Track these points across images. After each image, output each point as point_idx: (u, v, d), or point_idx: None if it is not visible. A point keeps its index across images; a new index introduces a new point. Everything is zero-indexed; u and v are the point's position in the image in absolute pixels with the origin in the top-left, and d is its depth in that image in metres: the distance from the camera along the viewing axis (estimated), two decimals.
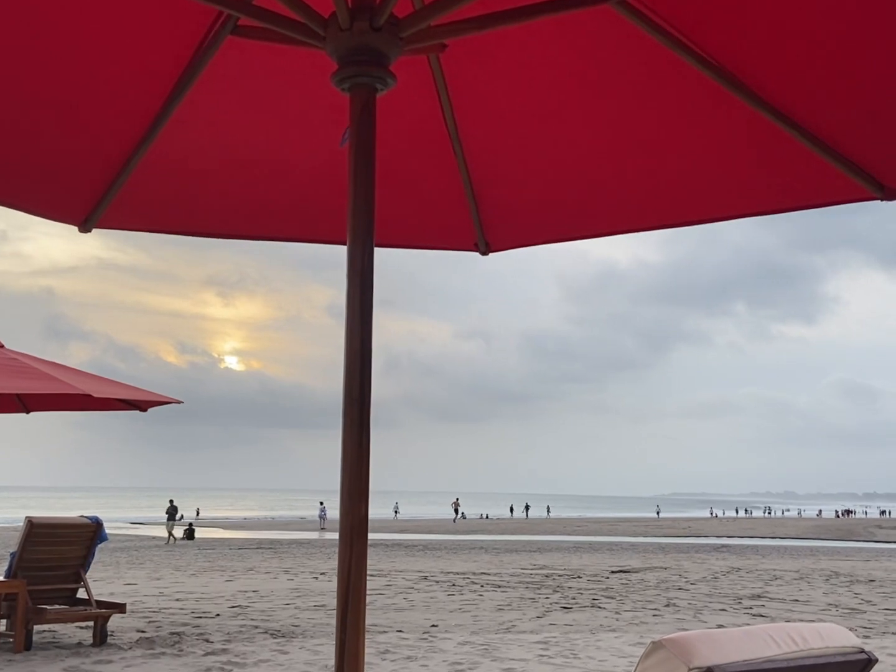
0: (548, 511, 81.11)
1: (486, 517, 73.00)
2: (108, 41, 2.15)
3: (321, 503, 52.58)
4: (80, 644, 7.63)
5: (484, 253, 2.95)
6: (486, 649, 7.75)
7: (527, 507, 76.48)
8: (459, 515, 66.05)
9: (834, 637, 2.16)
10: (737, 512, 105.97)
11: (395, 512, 72.29)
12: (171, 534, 33.14)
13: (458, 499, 71.45)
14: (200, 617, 9.60)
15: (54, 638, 7.92)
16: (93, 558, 8.00)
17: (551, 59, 2.28)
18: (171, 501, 35.33)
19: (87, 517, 8.00)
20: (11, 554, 7.66)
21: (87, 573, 7.98)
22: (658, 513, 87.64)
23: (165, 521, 34.15)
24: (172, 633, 8.33)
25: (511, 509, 79.93)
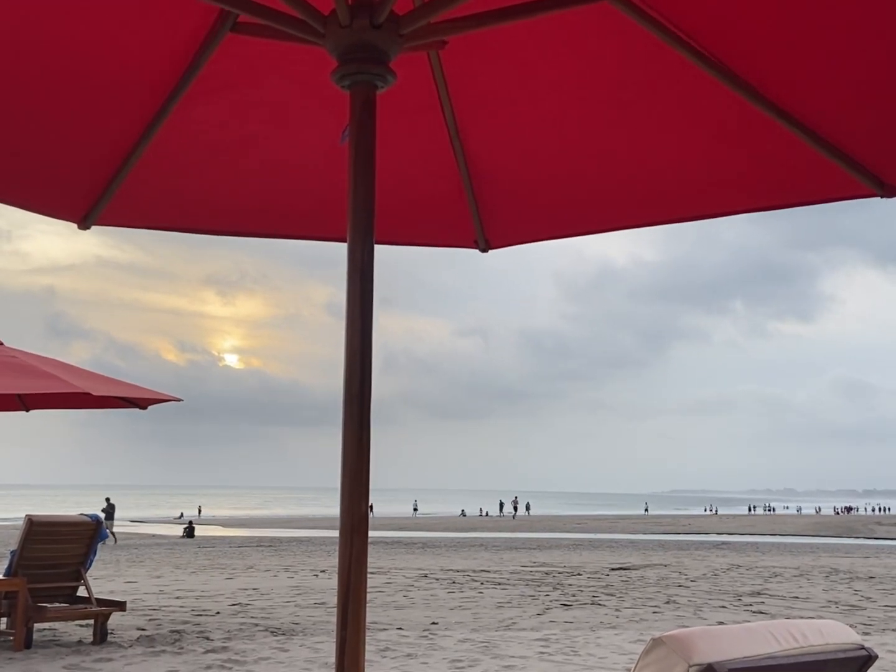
0: (527, 508, 79.90)
1: (486, 514, 72.96)
2: (108, 38, 2.15)
3: None
4: (80, 642, 7.63)
5: (484, 250, 2.95)
6: (486, 647, 7.76)
7: (501, 505, 75.24)
8: (521, 511, 66.04)
9: (834, 634, 2.16)
10: (750, 509, 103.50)
11: (415, 509, 72.25)
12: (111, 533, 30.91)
13: (516, 497, 71.44)
14: (200, 615, 9.60)
15: (54, 636, 7.92)
16: (94, 556, 8.00)
17: (550, 55, 2.28)
18: (108, 500, 32.34)
19: (87, 515, 8.00)
20: (12, 552, 7.65)
21: (88, 571, 7.98)
22: (646, 510, 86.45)
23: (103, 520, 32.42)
24: (173, 631, 8.33)
25: (527, 506, 79.97)
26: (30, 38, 2.08)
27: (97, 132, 2.42)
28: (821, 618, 9.08)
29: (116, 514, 32.50)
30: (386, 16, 1.90)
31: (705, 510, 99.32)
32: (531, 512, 77.35)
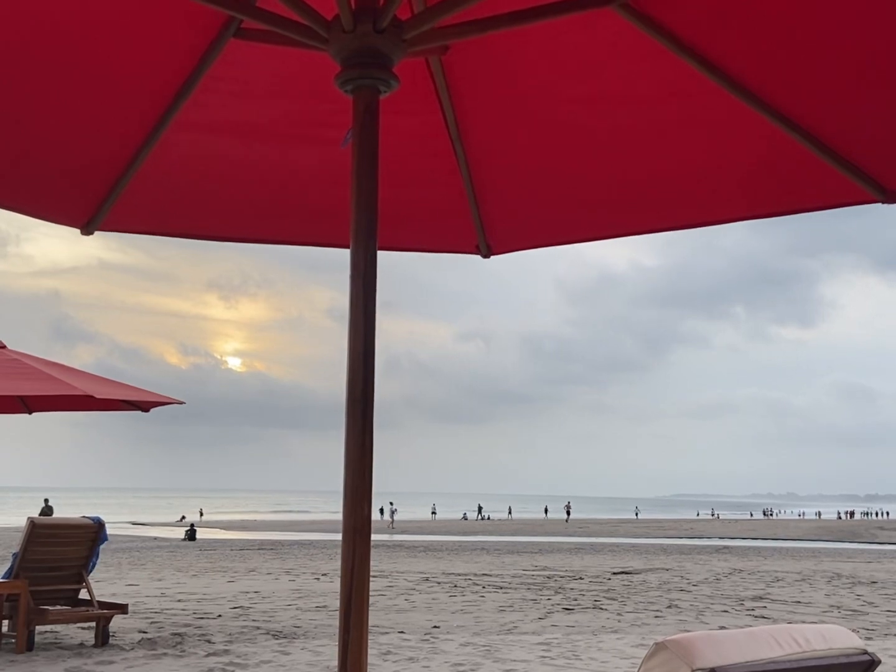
0: (509, 512, 79.34)
1: (489, 518, 72.93)
2: (112, 44, 2.16)
3: (391, 503, 55.19)
4: (81, 645, 7.63)
5: (485, 256, 2.95)
6: (487, 650, 7.75)
7: (480, 508, 75.34)
8: (570, 516, 66.72)
9: (837, 639, 2.16)
10: (764, 513, 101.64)
11: (433, 513, 72.59)
12: None
13: (569, 502, 72.27)
14: (202, 618, 9.60)
15: (56, 638, 7.92)
16: (96, 559, 8.00)
17: (553, 62, 2.28)
18: (46, 501, 29.81)
19: (88, 518, 8.00)
20: (14, 554, 7.66)
21: (90, 574, 7.98)
22: (637, 514, 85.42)
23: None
24: (174, 634, 8.33)
25: (546, 510, 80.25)
26: (33, 44, 2.09)
27: (100, 138, 2.43)
28: (823, 622, 9.06)
29: (116, 518, 32.23)
30: (389, 21, 1.91)
31: (697, 514, 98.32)
32: (513, 516, 76.95)
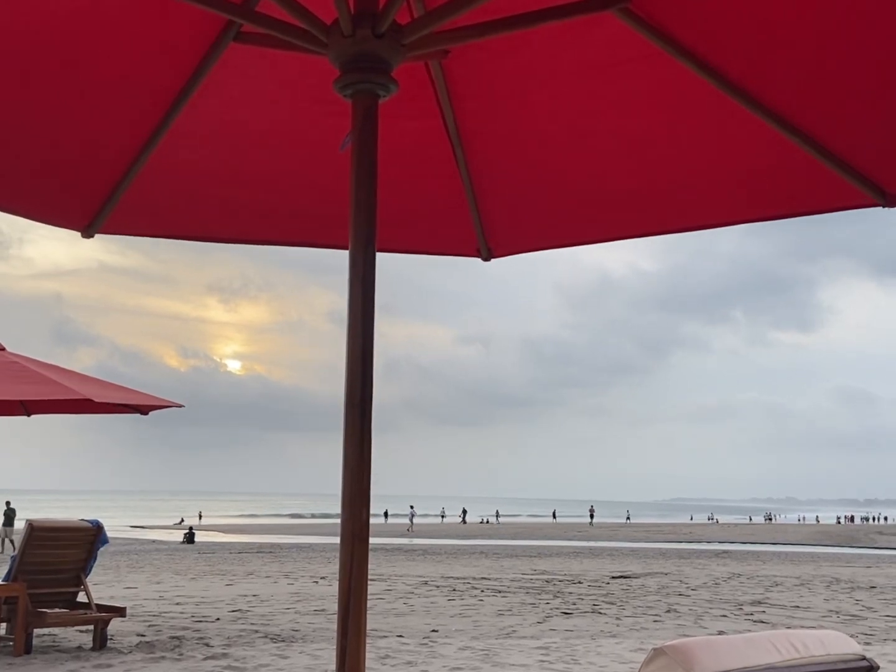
0: (497, 516, 79.18)
1: (487, 522, 72.93)
2: (112, 48, 2.16)
3: (411, 507, 56.19)
4: (80, 648, 7.62)
5: (486, 259, 2.96)
6: (486, 654, 7.74)
7: (465, 512, 75.68)
8: (593, 519, 67.17)
9: (836, 644, 2.16)
10: (768, 518, 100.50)
11: (442, 516, 72.88)
12: (8, 540, 26.21)
13: (592, 506, 73.01)
14: (200, 621, 9.59)
15: (54, 641, 7.91)
16: (94, 562, 8.00)
17: (553, 65, 2.28)
18: (8, 503, 28.37)
19: (87, 520, 8.00)
20: (12, 557, 7.66)
21: (88, 577, 7.97)
22: (628, 518, 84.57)
23: (1, 526, 26.89)
24: (172, 637, 8.32)
25: (554, 514, 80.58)
26: (33, 48, 2.09)
27: (101, 141, 2.43)
28: (822, 628, 9.06)
29: (115, 521, 31.97)
30: (388, 25, 1.91)
31: (691, 518, 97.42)
32: (500, 520, 76.69)
